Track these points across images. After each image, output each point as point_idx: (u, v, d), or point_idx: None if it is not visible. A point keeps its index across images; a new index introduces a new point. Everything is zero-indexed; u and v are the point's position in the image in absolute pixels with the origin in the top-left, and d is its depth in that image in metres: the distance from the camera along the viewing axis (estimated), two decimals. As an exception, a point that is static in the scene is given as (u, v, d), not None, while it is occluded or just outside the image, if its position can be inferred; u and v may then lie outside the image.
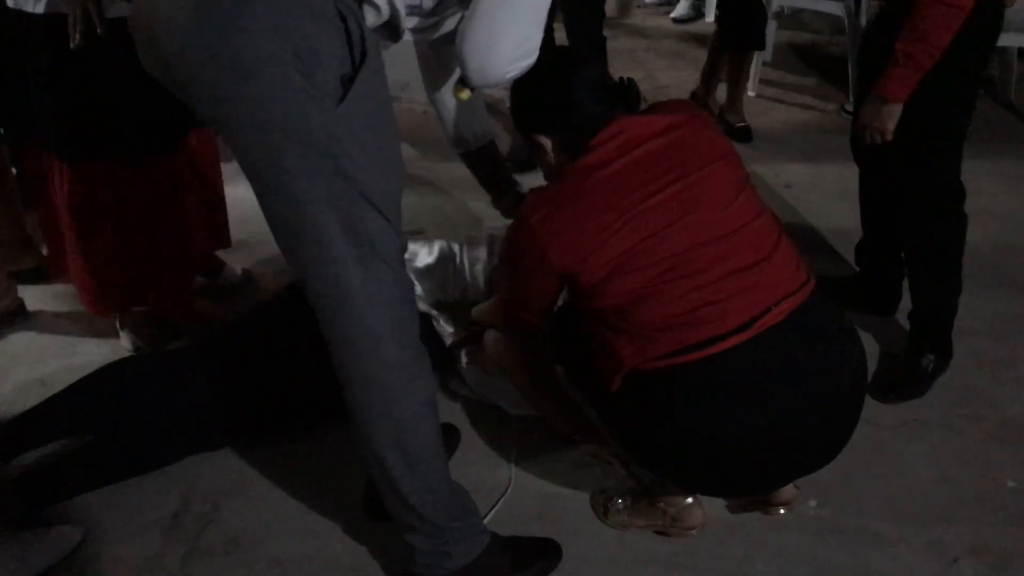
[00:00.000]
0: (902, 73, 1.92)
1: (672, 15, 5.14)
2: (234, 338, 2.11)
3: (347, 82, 1.28)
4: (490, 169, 2.07)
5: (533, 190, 1.65)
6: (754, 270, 1.53)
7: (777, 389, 1.51)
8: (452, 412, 2.18)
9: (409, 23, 1.51)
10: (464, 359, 2.14)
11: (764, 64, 4.25)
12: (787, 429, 1.53)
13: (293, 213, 1.35)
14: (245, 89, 1.25)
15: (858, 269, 2.55)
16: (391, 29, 1.44)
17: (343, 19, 1.26)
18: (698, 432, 1.51)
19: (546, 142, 1.67)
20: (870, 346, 2.38)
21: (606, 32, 5.14)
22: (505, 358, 1.96)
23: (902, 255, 2.33)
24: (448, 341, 2.15)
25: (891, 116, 1.99)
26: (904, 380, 2.23)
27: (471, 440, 2.11)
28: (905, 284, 2.37)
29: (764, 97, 4.11)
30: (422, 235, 2.32)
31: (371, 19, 1.37)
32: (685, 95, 4.21)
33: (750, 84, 4.09)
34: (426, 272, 2.19)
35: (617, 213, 1.52)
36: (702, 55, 4.65)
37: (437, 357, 2.17)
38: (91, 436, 1.96)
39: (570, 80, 1.60)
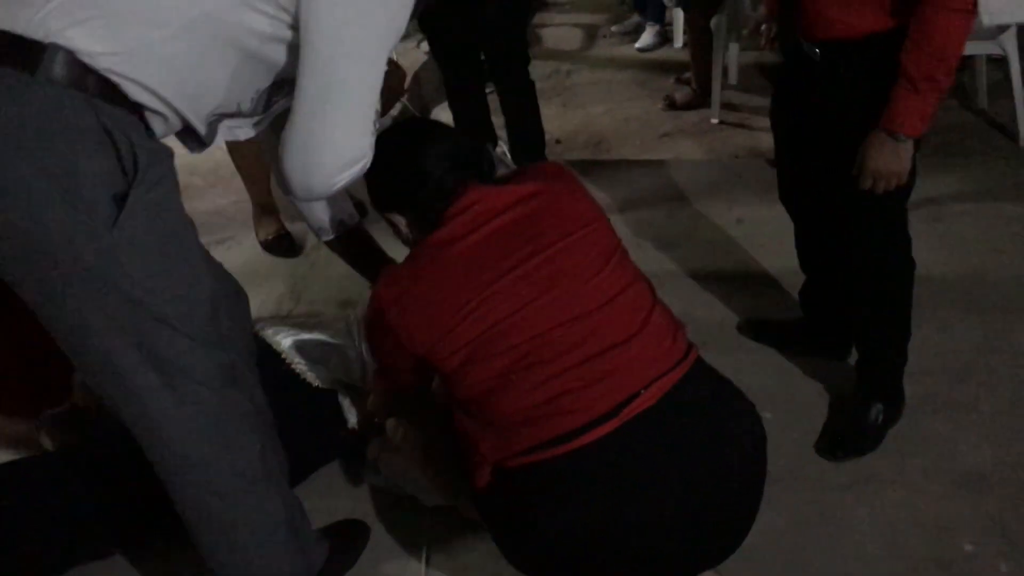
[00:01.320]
0: (920, 101, 1.62)
1: (637, 45, 4.99)
2: (113, 437, 1.98)
3: (121, 200, 1.16)
4: (360, 254, 1.94)
5: (385, 270, 1.53)
6: (620, 350, 1.39)
7: (652, 482, 1.35)
8: (361, 503, 2.04)
9: (238, 125, 1.39)
10: (372, 447, 2.00)
11: (729, 87, 4.11)
12: (669, 524, 1.37)
13: (81, 345, 1.23)
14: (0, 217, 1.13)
15: (804, 313, 2.37)
16: (195, 136, 1.32)
17: (109, 133, 1.14)
18: (566, 537, 1.36)
19: (399, 220, 1.55)
20: (819, 396, 2.22)
21: (568, 66, 5.11)
22: (406, 445, 1.82)
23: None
24: (353, 423, 2.02)
25: (908, 155, 1.71)
26: (852, 434, 2.05)
27: (380, 534, 1.96)
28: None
29: (727, 123, 3.96)
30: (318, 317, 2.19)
31: (160, 128, 1.25)
32: (648, 127, 4.10)
33: (712, 110, 3.96)
34: (321, 357, 2.06)
35: (469, 294, 1.39)
36: (665, 85, 4.54)
37: (342, 443, 2.06)
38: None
39: (420, 153, 1.49)
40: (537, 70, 5.00)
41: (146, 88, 1.17)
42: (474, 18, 2.73)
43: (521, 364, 1.37)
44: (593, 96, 4.57)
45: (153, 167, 1.19)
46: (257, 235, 3.10)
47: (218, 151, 3.41)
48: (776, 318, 2.46)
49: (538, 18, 5.80)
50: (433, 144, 1.50)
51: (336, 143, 1.29)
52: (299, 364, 1.99)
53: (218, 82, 1.27)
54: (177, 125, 1.27)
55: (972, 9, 1.56)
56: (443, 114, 3.56)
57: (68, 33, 1.12)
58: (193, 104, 1.25)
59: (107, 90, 1.14)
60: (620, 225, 3.06)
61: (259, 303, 2.71)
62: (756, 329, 2.44)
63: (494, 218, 1.42)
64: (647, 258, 2.84)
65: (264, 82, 1.35)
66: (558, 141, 4.13)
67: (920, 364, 2.20)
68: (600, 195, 3.32)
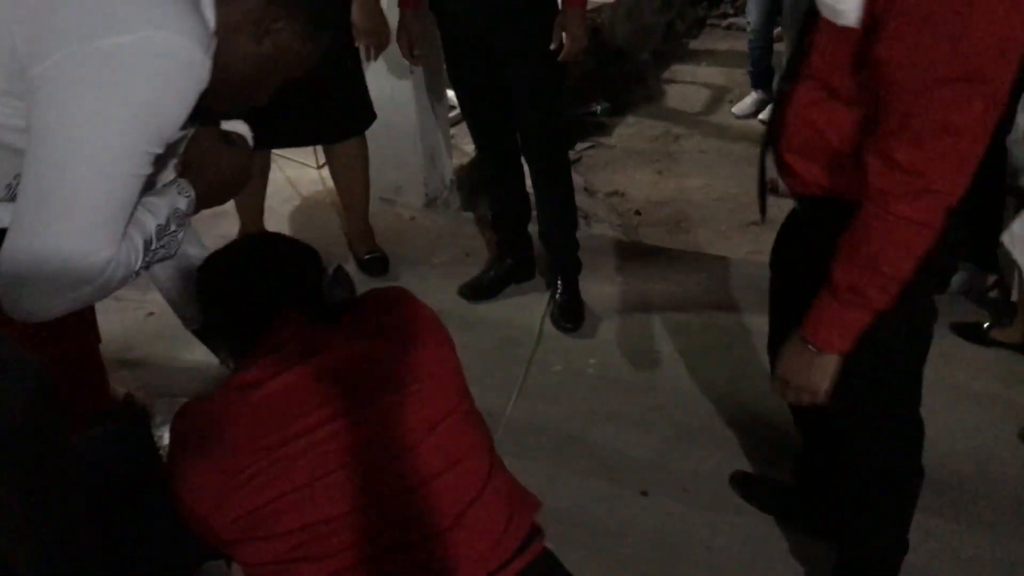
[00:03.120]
0: (839, 313, 1.28)
1: (761, 116, 4.63)
2: None
3: None
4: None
5: (185, 405, 1.32)
6: (430, 545, 1.14)
7: None
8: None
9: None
10: None
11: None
12: None
13: None
14: None
15: (796, 481, 2.01)
16: None
17: None
18: None
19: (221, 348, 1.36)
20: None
21: (680, 129, 4.80)
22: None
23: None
24: None
25: (824, 371, 1.33)
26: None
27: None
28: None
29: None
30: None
31: None
32: (739, 211, 3.76)
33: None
34: None
35: (251, 458, 1.14)
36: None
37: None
38: None
39: (238, 276, 1.28)
40: (646, 130, 4.78)
41: None
42: (505, 86, 2.52)
43: (299, 554, 1.13)
44: (693, 167, 4.27)
45: None
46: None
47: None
48: (772, 477, 2.12)
49: (669, 72, 5.52)
50: (254, 266, 1.29)
51: (52, 258, 1.06)
52: None
53: None
54: None
55: (927, 222, 1.18)
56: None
57: None
58: None
59: None
60: (651, 324, 2.79)
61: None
62: (746, 485, 2.11)
63: (303, 362, 1.19)
64: (661, 370, 2.56)
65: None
66: (638, 212, 3.87)
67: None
68: (647, 285, 3.06)
